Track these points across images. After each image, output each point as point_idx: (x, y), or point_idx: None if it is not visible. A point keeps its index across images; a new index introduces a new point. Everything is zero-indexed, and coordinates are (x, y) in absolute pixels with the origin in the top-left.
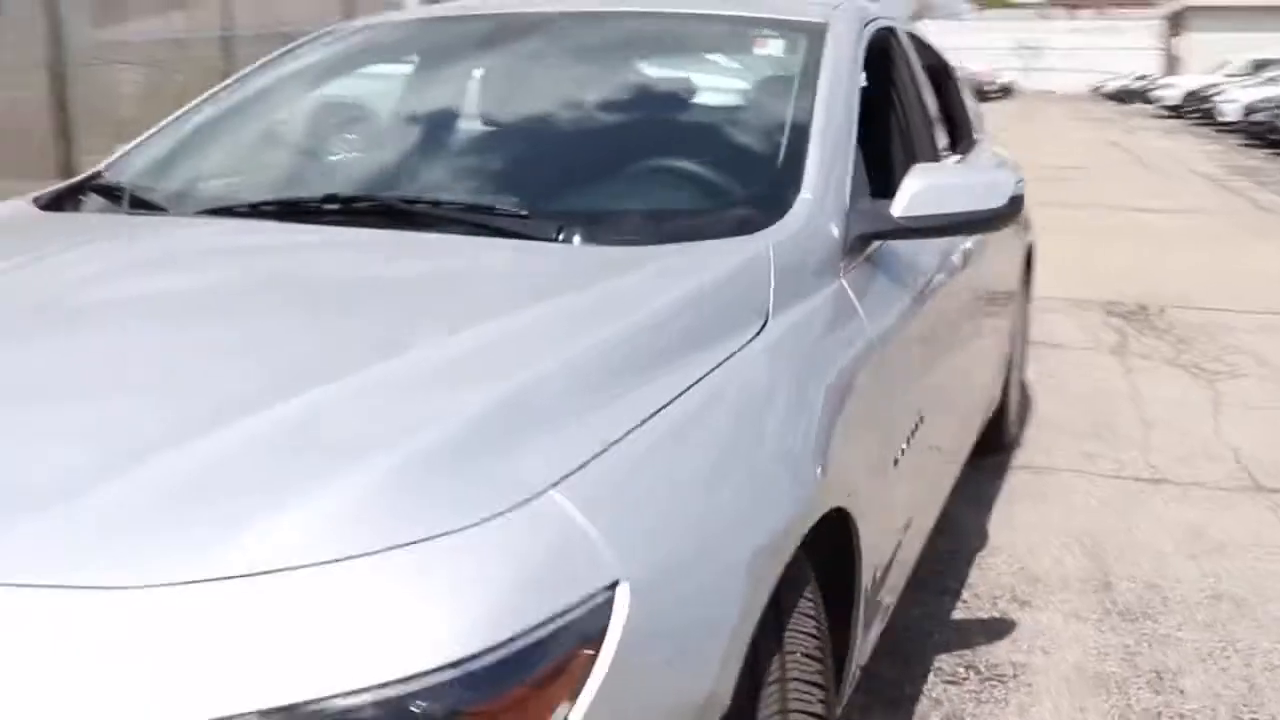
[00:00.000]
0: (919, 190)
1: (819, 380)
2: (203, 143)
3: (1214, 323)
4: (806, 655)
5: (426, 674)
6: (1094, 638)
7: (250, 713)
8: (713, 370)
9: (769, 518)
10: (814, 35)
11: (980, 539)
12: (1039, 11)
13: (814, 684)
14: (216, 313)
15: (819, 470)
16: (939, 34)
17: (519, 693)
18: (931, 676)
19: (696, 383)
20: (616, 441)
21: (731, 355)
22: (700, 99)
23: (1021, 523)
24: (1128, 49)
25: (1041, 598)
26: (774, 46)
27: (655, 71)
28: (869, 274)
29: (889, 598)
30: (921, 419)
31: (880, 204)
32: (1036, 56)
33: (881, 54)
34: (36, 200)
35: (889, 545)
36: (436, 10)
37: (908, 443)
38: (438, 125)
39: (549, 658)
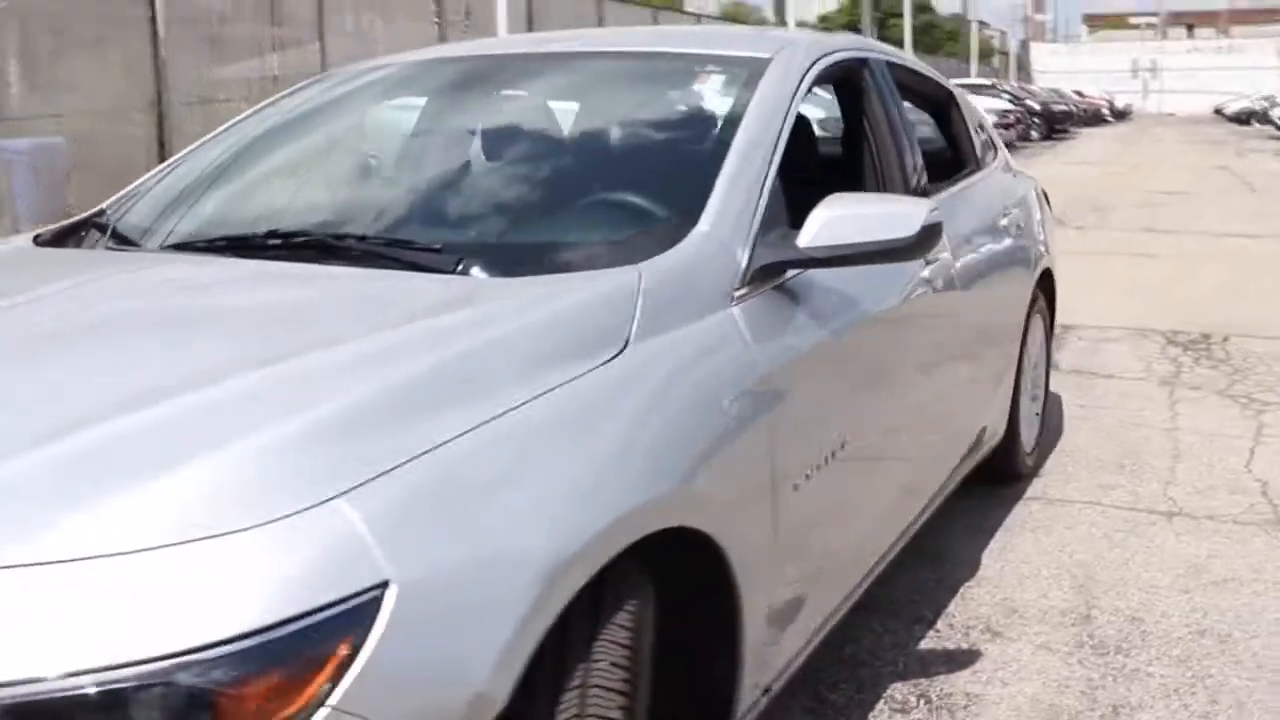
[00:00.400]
0: (826, 221)
1: (674, 403)
2: (190, 183)
3: (1277, 353)
4: (615, 665)
5: (186, 652)
6: (1059, 670)
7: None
8: (545, 392)
9: (568, 533)
10: (754, 71)
11: (969, 569)
12: (1156, 32)
13: (619, 692)
14: (95, 337)
15: (648, 490)
16: (1050, 56)
17: (276, 676)
18: (881, 704)
19: (522, 404)
20: (416, 457)
21: (574, 379)
22: (624, 136)
23: (1016, 554)
24: (1250, 68)
25: (1016, 629)
26: (714, 82)
27: (588, 111)
28: (773, 302)
29: (811, 620)
30: (843, 444)
31: (790, 234)
32: (1154, 78)
33: (849, 86)
34: (36, 238)
35: (789, 567)
36: (402, 58)
37: (818, 469)
38: (378, 165)
39: (310, 646)
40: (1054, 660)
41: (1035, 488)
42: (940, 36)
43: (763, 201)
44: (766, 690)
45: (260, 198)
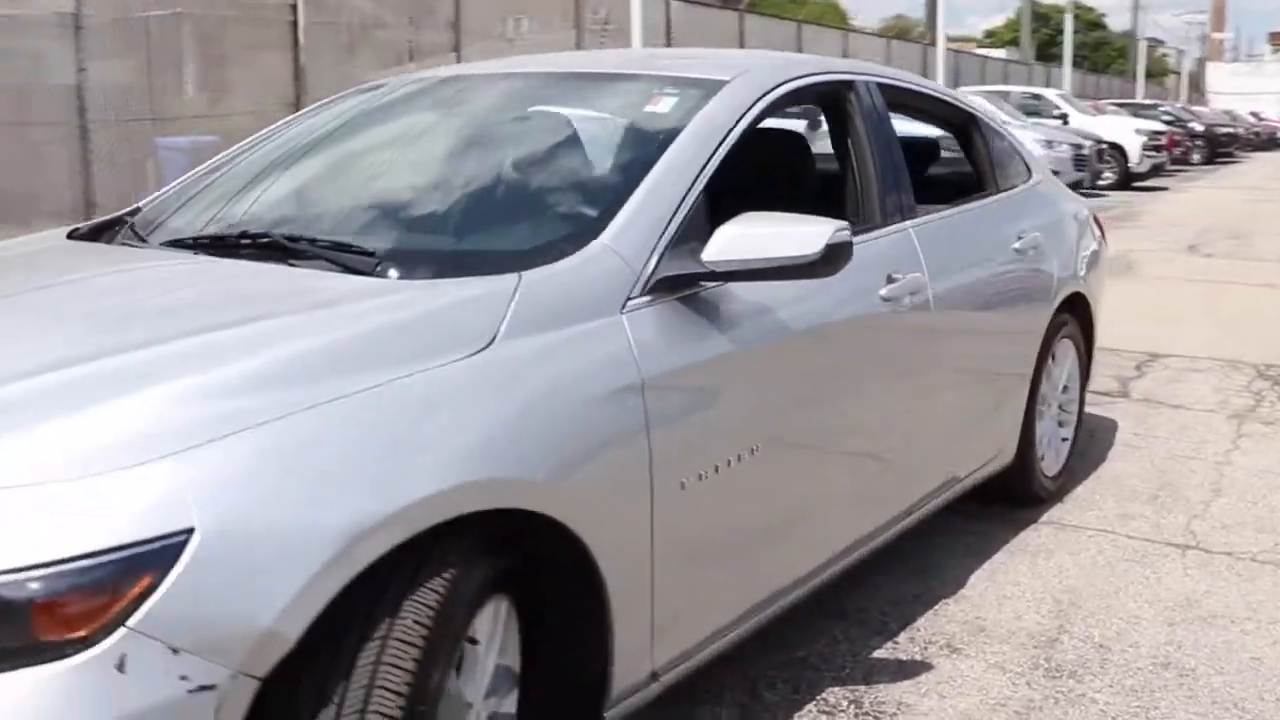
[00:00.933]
0: (732, 237)
1: (534, 395)
2: (205, 185)
3: None
4: (419, 623)
5: (11, 571)
6: (1002, 689)
7: None
8: (395, 379)
9: (375, 502)
10: (707, 93)
11: (954, 587)
12: None
13: (419, 647)
14: (44, 318)
15: (478, 471)
16: (1229, 76)
17: (84, 596)
18: (812, 706)
19: (367, 388)
20: (251, 427)
21: (429, 369)
22: (559, 154)
23: (1007, 576)
24: None
25: (976, 647)
26: (665, 103)
27: (535, 130)
28: (676, 311)
29: (716, 615)
30: (754, 450)
31: (698, 249)
32: None
33: (832, 108)
34: (71, 232)
35: (676, 560)
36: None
37: (716, 471)
38: (348, 176)
39: (118, 575)
40: (1001, 679)
41: (1053, 512)
42: (1110, 54)
43: (679, 217)
44: (655, 675)
45: (254, 201)
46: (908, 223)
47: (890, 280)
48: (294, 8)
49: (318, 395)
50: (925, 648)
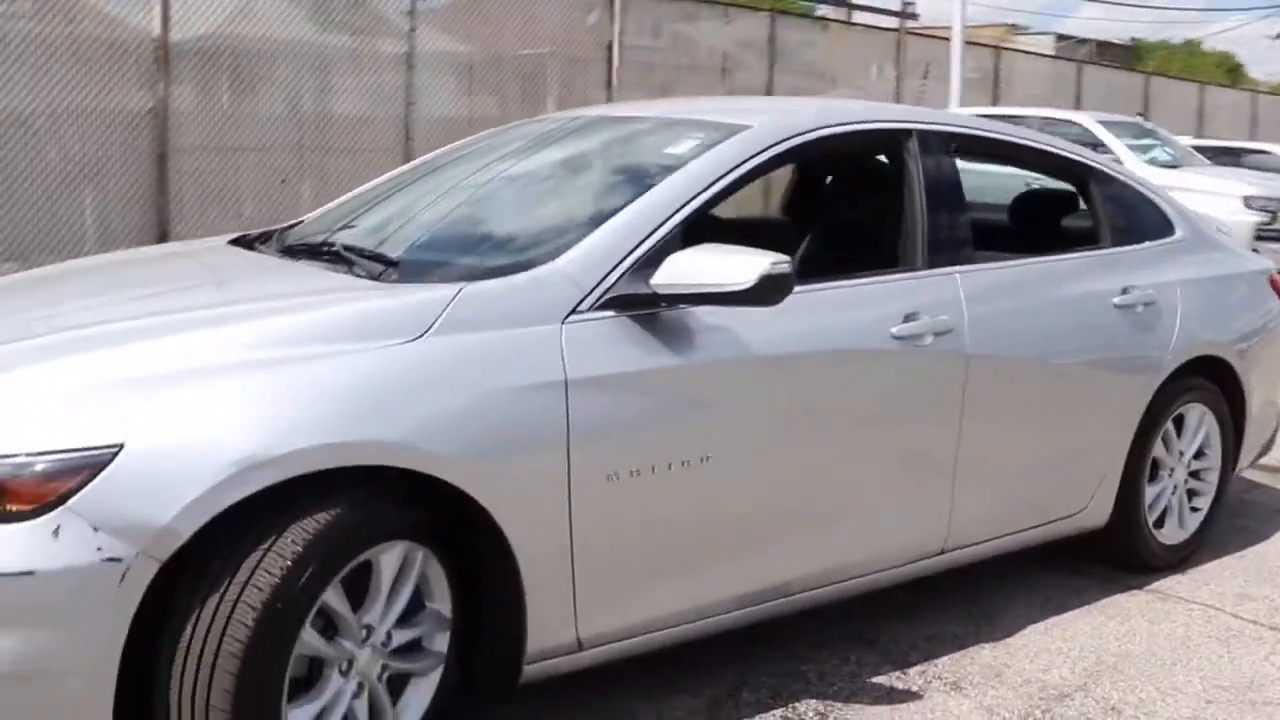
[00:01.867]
0: (678, 264)
1: (451, 379)
2: (335, 207)
3: None
4: (295, 542)
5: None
6: None
7: None
8: (327, 353)
9: (270, 440)
10: (722, 136)
11: (1001, 634)
12: None
13: (291, 560)
14: (132, 289)
15: (371, 432)
16: None
17: (40, 478)
18: (780, 712)
19: (301, 358)
20: (195, 373)
21: (360, 350)
22: (575, 188)
23: (1064, 631)
24: None
25: (980, 689)
26: (684, 145)
27: (572, 167)
28: (623, 326)
29: (657, 602)
30: (704, 460)
31: (649, 274)
32: None
33: (888, 154)
34: (232, 239)
35: (600, 543)
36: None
37: (654, 470)
38: (426, 199)
39: (66, 467)
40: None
41: (1165, 581)
42: None
43: (646, 245)
44: (580, 644)
45: (355, 220)
46: (955, 268)
47: (908, 319)
48: (610, 46)
49: (259, 357)
50: (929, 682)
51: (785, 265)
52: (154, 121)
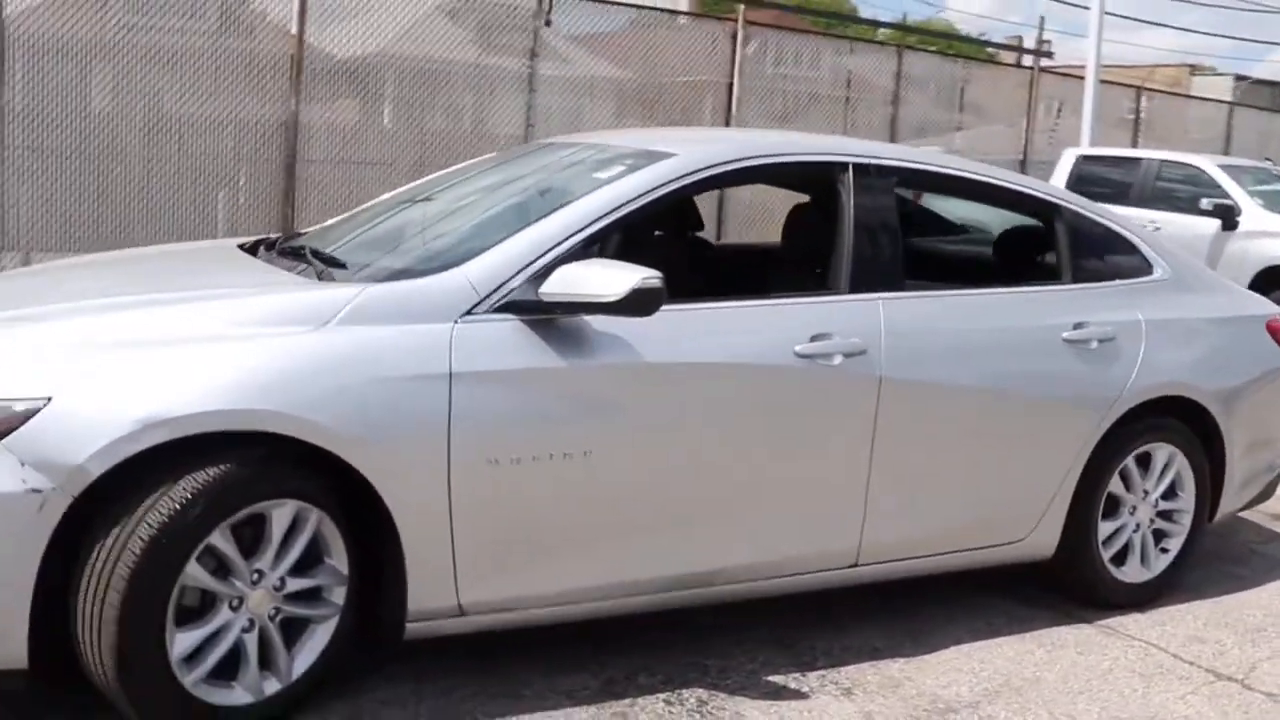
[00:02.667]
0: (564, 275)
1: (347, 365)
2: (347, 219)
3: None
4: (185, 489)
5: None
6: None
7: None
8: (246, 335)
9: (166, 404)
10: (645, 164)
11: (922, 651)
12: None
13: (180, 504)
14: (137, 279)
15: (258, 402)
16: None
17: None
18: (665, 694)
19: (213, 338)
20: (122, 346)
21: (278, 335)
22: (509, 207)
23: (987, 655)
24: None
25: (868, 696)
26: (611, 170)
27: (518, 189)
28: (514, 328)
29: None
30: (586, 454)
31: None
32: None
33: (820, 187)
34: (240, 244)
35: (479, 521)
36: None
37: (535, 460)
38: (402, 213)
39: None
40: None
41: (1122, 619)
42: None
43: (548, 258)
44: (461, 610)
45: (350, 229)
46: (878, 294)
47: (816, 339)
48: (730, 87)
49: (181, 334)
50: (823, 686)
51: (655, 280)
52: (285, 133)
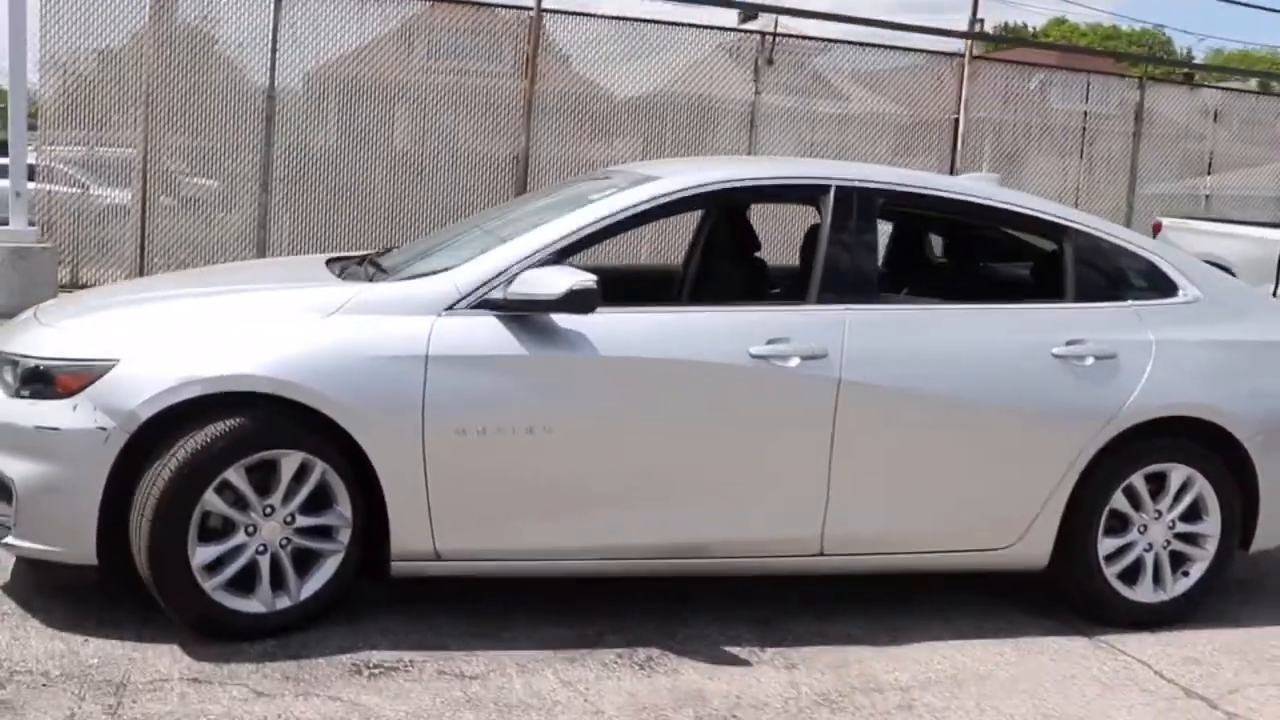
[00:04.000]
0: (524, 279)
1: (345, 346)
2: (424, 240)
3: None
4: (213, 433)
5: (44, 358)
6: (631, 689)
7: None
8: (272, 319)
9: (194, 369)
10: (629, 186)
11: (883, 639)
12: None
13: (207, 444)
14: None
15: (273, 370)
16: None
17: (73, 374)
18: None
19: (255, 321)
20: (183, 322)
21: (295, 320)
22: (516, 224)
23: (954, 652)
24: None
25: (809, 671)
26: (604, 190)
27: (532, 210)
28: (486, 322)
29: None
30: (535, 430)
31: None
32: None
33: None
34: (329, 258)
35: (449, 482)
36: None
37: (500, 432)
38: (450, 236)
39: (85, 369)
40: (638, 684)
41: (1125, 637)
42: None
43: (526, 263)
44: (438, 555)
45: (418, 245)
46: (846, 305)
47: (772, 342)
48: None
49: (221, 317)
50: (771, 659)
51: (588, 282)
52: (515, 166)
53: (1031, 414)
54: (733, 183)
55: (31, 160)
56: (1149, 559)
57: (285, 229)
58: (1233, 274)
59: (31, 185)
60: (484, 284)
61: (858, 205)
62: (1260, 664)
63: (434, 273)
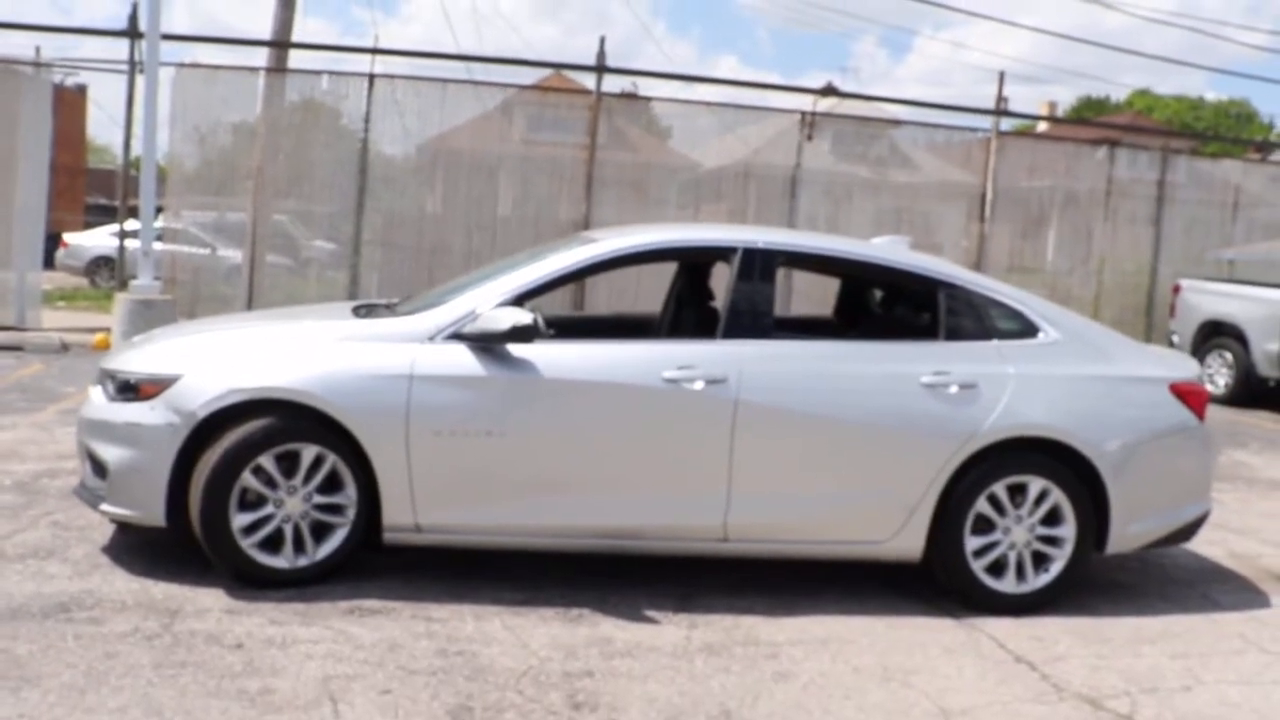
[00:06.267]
0: (484, 315)
1: (348, 366)
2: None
3: None
4: (248, 429)
5: (135, 373)
6: (557, 633)
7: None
8: (297, 346)
9: (238, 383)
10: (576, 245)
11: (779, 612)
12: None
13: (243, 437)
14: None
15: (283, 381)
16: None
17: (152, 385)
18: (525, 609)
19: (283, 346)
20: (230, 348)
21: (311, 346)
22: (502, 274)
23: (841, 623)
24: None
25: (710, 631)
26: (558, 249)
27: (519, 261)
28: (460, 349)
29: (470, 516)
30: (488, 433)
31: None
32: None
33: (698, 262)
34: (354, 307)
35: (427, 472)
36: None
37: (467, 435)
38: (457, 283)
39: (157, 381)
40: (563, 630)
41: (989, 620)
42: None
43: (486, 306)
44: (419, 528)
45: (431, 291)
46: (745, 340)
47: (681, 368)
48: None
49: (258, 343)
50: (676, 620)
51: (527, 320)
52: (576, 229)
53: (902, 431)
54: (655, 245)
55: (166, 223)
56: (1012, 556)
57: (373, 285)
58: (1241, 331)
59: (159, 245)
60: (456, 320)
61: (759, 263)
62: (1093, 642)
63: (422, 310)
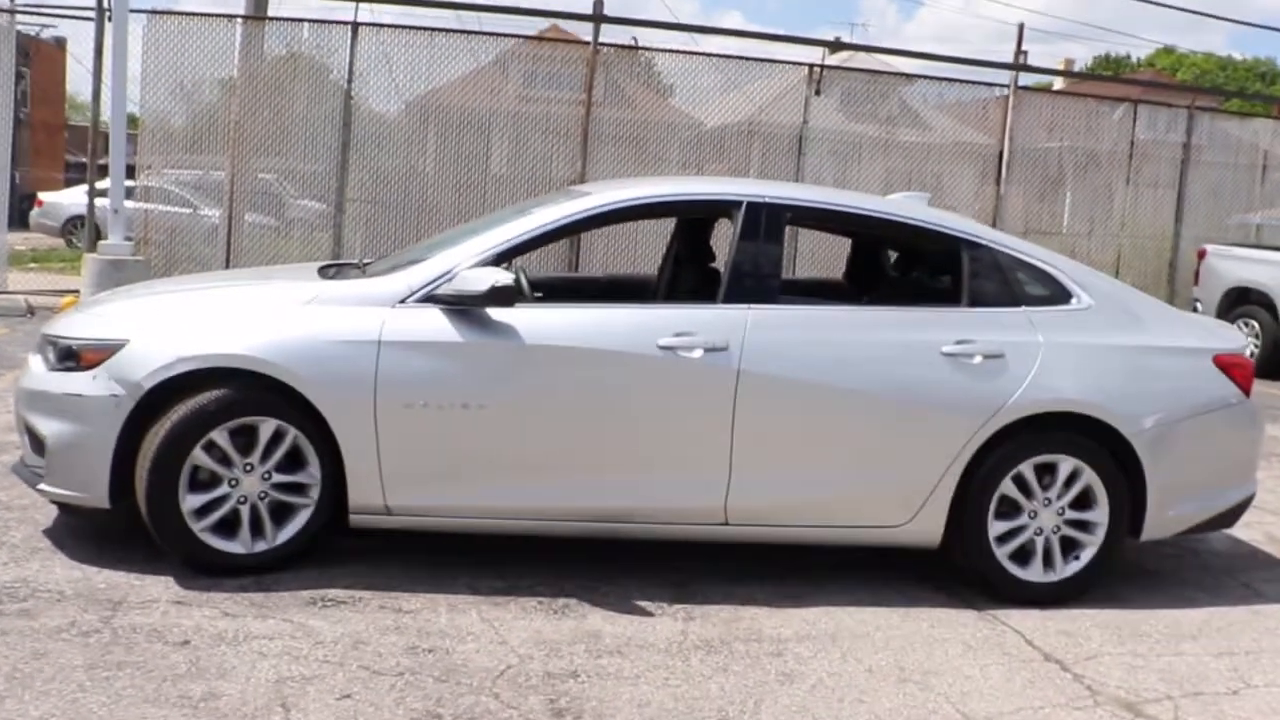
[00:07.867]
0: (460, 277)
1: (306, 327)
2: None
3: None
4: (204, 400)
5: (76, 339)
6: (539, 627)
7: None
8: (256, 309)
9: (182, 350)
10: (567, 199)
11: (777, 602)
12: None
13: (195, 409)
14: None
15: (251, 350)
16: None
17: (93, 352)
18: (506, 591)
19: (239, 309)
20: (180, 311)
21: (278, 309)
22: (481, 232)
23: (852, 616)
24: None
25: (707, 625)
26: (546, 203)
27: (502, 218)
28: (433, 313)
29: (444, 494)
30: (466, 405)
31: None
32: None
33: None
34: (320, 267)
35: (398, 446)
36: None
37: (440, 408)
38: (437, 240)
39: (103, 347)
40: (546, 624)
41: (1013, 612)
42: None
43: (461, 267)
44: (388, 510)
45: (406, 251)
46: (748, 305)
47: (679, 335)
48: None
49: (212, 307)
50: (672, 613)
51: (509, 279)
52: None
53: (920, 405)
54: (651, 199)
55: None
56: (1039, 542)
57: (358, 246)
58: (1269, 298)
59: (132, 204)
60: (430, 281)
61: (766, 219)
62: (1127, 638)
63: (393, 270)
